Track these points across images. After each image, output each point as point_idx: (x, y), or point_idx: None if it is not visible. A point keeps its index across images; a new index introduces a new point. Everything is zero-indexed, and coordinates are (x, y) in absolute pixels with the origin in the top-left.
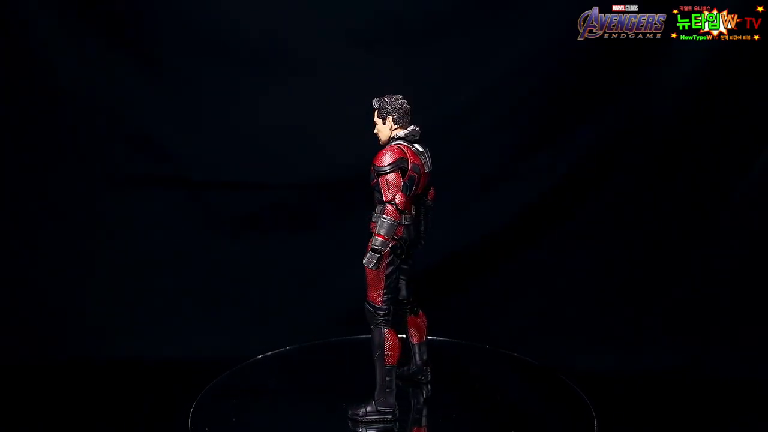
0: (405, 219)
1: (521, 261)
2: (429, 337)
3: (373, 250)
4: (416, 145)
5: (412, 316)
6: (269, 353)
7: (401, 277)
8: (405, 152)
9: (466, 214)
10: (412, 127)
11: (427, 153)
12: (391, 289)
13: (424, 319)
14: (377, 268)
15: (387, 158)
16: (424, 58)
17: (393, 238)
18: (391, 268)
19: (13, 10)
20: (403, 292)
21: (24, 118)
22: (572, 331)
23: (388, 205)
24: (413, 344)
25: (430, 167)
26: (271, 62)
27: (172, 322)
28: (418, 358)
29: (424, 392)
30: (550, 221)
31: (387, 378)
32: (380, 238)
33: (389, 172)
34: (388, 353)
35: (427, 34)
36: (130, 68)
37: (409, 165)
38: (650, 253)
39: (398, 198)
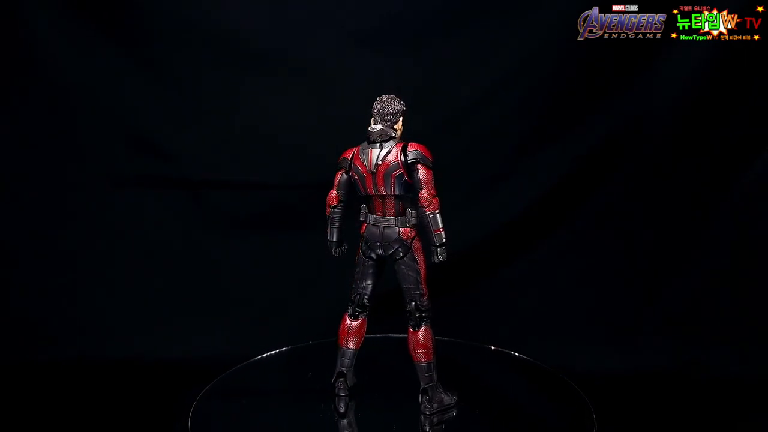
0: (370, 219)
1: (521, 261)
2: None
3: None
4: (374, 145)
5: (410, 329)
6: (269, 353)
7: (402, 284)
8: (351, 153)
9: (466, 214)
10: (369, 127)
11: (380, 153)
12: (355, 281)
13: (417, 338)
14: (333, 254)
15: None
16: (424, 58)
17: (361, 236)
18: (357, 261)
19: (13, 9)
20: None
21: (24, 118)
22: (572, 331)
23: None
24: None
25: (374, 169)
26: (271, 62)
27: (171, 322)
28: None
29: (421, 426)
30: (550, 221)
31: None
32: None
33: (335, 171)
34: (339, 334)
35: (428, 35)
36: (130, 68)
37: (351, 166)
38: (650, 252)
39: (329, 194)
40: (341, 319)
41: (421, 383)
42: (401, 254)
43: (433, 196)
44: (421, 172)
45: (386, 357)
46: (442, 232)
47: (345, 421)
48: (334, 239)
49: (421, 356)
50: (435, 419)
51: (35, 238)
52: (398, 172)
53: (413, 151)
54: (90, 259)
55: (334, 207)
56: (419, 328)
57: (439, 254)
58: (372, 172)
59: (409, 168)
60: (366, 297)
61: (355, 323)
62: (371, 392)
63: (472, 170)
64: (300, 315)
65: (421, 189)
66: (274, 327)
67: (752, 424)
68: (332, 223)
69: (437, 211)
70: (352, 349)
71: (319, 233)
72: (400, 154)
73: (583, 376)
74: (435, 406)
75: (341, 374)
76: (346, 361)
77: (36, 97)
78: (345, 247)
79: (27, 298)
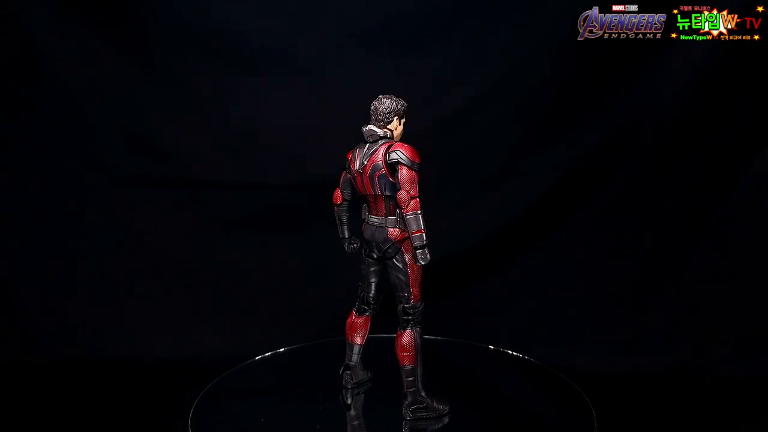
0: (368, 218)
1: (521, 261)
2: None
3: None
4: (365, 145)
5: (398, 330)
6: (269, 353)
7: (392, 285)
8: (352, 152)
9: (465, 214)
10: (362, 127)
11: (366, 152)
12: (361, 279)
13: (401, 340)
14: (346, 251)
15: None
16: (423, 58)
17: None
18: (362, 260)
19: (14, 10)
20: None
21: (24, 119)
22: (572, 331)
23: None
24: None
25: (359, 168)
26: (271, 62)
27: (171, 322)
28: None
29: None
30: (550, 221)
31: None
32: None
33: (341, 170)
34: (345, 329)
35: (427, 35)
36: (130, 68)
37: (348, 164)
38: (650, 253)
39: (335, 192)
40: (349, 314)
41: (404, 387)
42: (391, 255)
43: (412, 198)
44: (403, 172)
45: (388, 356)
46: (423, 234)
47: (352, 413)
48: (345, 236)
49: (404, 359)
50: (417, 425)
51: (36, 238)
52: (381, 172)
53: (396, 151)
54: (90, 259)
55: (339, 205)
56: (405, 330)
57: (419, 257)
58: (359, 172)
59: (392, 168)
60: (370, 296)
61: (360, 320)
62: (373, 390)
63: (472, 170)
64: (300, 315)
65: (400, 189)
66: (274, 327)
67: (752, 424)
68: (339, 220)
69: (417, 212)
70: (359, 344)
71: (319, 233)
72: (385, 154)
73: (583, 376)
74: (414, 409)
75: (348, 367)
76: (353, 355)
77: (35, 97)
78: (357, 244)
79: (27, 298)
